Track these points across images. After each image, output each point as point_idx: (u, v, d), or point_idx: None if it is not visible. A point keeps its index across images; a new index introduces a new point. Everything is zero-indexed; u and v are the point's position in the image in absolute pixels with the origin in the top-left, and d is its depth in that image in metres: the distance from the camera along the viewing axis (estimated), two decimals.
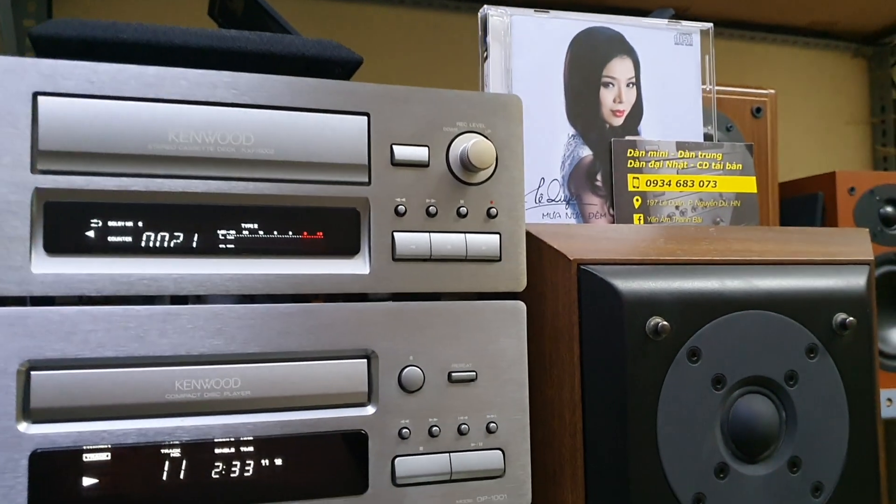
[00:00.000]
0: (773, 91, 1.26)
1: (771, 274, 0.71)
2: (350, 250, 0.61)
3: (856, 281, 0.74)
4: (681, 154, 0.84)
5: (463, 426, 0.62)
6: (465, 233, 0.63)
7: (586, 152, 0.82)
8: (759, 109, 1.29)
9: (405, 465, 0.60)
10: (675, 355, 0.67)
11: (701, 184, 0.84)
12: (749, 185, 0.86)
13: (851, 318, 0.71)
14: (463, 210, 0.63)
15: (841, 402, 0.71)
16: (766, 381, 0.70)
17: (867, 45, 2.00)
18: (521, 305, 0.65)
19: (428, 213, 0.62)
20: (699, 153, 0.84)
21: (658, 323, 0.65)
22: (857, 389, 0.72)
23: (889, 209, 1.63)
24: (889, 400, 1.54)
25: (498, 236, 0.64)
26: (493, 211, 0.64)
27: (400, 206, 0.61)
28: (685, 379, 0.67)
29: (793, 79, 1.91)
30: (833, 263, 0.75)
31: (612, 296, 0.66)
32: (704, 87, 0.87)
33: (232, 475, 0.57)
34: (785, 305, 0.70)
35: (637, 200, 0.82)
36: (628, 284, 0.67)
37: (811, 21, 1.88)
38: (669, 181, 0.83)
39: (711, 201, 0.85)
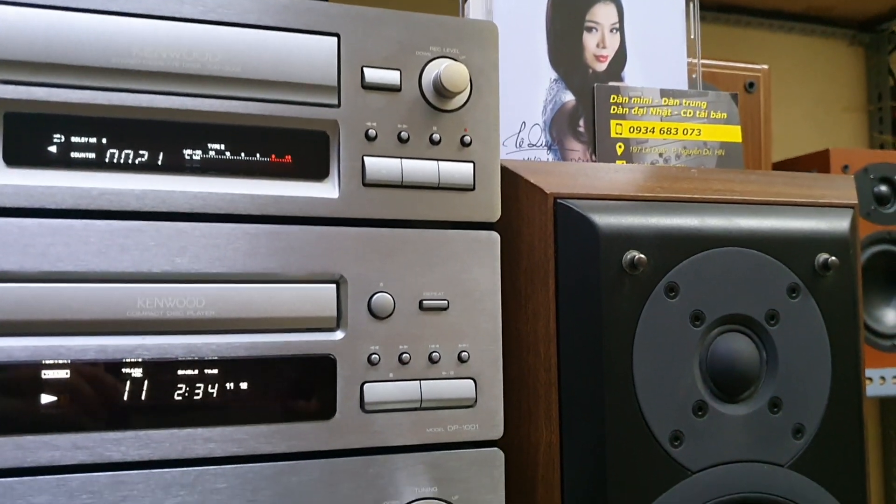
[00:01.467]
0: (766, 66, 1.26)
1: (752, 213, 0.70)
2: (319, 174, 0.59)
3: (839, 223, 0.73)
4: (665, 101, 0.82)
5: (434, 354, 0.61)
6: (437, 160, 0.61)
7: (569, 97, 0.81)
8: (751, 84, 1.28)
9: (374, 392, 0.59)
10: (653, 290, 0.66)
11: (685, 132, 0.83)
12: (734, 133, 0.85)
13: (834, 258, 0.70)
14: (436, 137, 0.62)
15: (823, 344, 0.70)
16: (746, 320, 0.68)
17: (864, 32, 1.99)
18: (494, 236, 0.63)
19: (399, 139, 0.61)
20: (683, 101, 0.83)
21: (635, 256, 0.64)
22: (840, 331, 0.71)
23: (883, 188, 1.62)
24: (882, 378, 1.53)
25: (471, 165, 0.63)
26: (468, 139, 0.63)
27: (370, 131, 0.60)
28: (662, 314, 0.66)
29: (789, 65, 1.89)
30: (816, 206, 0.73)
31: (588, 230, 0.65)
32: (691, 59, 0.86)
33: (195, 398, 0.56)
34: (766, 244, 0.69)
35: (620, 147, 0.81)
36: (605, 219, 0.65)
37: (808, 6, 1.87)
38: (653, 128, 0.82)
39: (695, 149, 0.83)
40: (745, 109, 1.21)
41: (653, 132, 0.82)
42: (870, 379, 1.50)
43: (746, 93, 1.27)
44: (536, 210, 0.67)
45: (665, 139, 0.82)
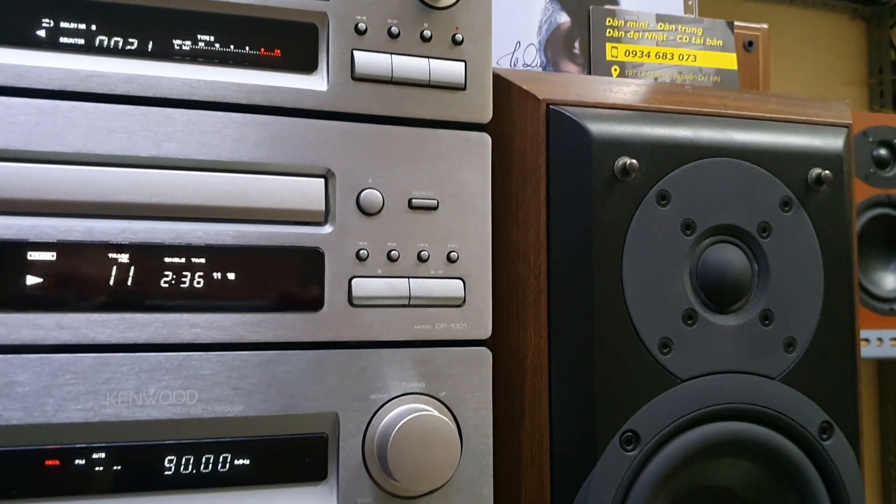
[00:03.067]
0: (765, 25, 1.25)
1: (746, 128, 0.70)
2: (308, 66, 0.59)
3: (833, 141, 0.72)
4: (660, 26, 0.82)
5: (423, 253, 0.60)
6: (428, 58, 0.61)
7: (564, 18, 0.80)
8: (750, 43, 1.27)
9: (362, 286, 0.59)
10: (644, 198, 0.65)
11: (680, 57, 0.83)
12: (729, 61, 0.84)
13: (827, 172, 0.69)
14: (427, 34, 0.61)
15: (815, 259, 0.70)
16: (738, 231, 0.68)
17: (866, 6, 1.98)
18: (485, 137, 0.63)
19: (390, 34, 0.60)
20: (679, 27, 0.83)
21: (627, 162, 0.64)
22: (833, 247, 0.70)
23: (883, 151, 1.61)
24: (879, 339, 1.53)
25: (463, 64, 0.62)
26: (459, 37, 0.62)
27: (360, 24, 0.59)
28: (653, 222, 0.65)
29: (790, 38, 1.88)
30: (811, 123, 0.73)
31: (580, 136, 0.65)
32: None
33: (182, 284, 0.55)
34: (759, 157, 0.69)
35: (615, 70, 0.80)
36: (598, 126, 0.65)
37: None
38: (648, 52, 0.81)
39: (691, 75, 0.83)
40: (743, 68, 1.20)
41: (648, 56, 0.81)
42: (867, 340, 1.50)
43: (745, 51, 1.26)
44: (529, 117, 0.66)
45: (660, 63, 0.82)
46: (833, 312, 0.70)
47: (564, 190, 0.65)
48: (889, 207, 1.59)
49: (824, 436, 0.69)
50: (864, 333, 1.48)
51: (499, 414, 0.65)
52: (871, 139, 1.60)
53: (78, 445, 0.53)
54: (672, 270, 0.66)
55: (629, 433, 0.64)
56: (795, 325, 0.69)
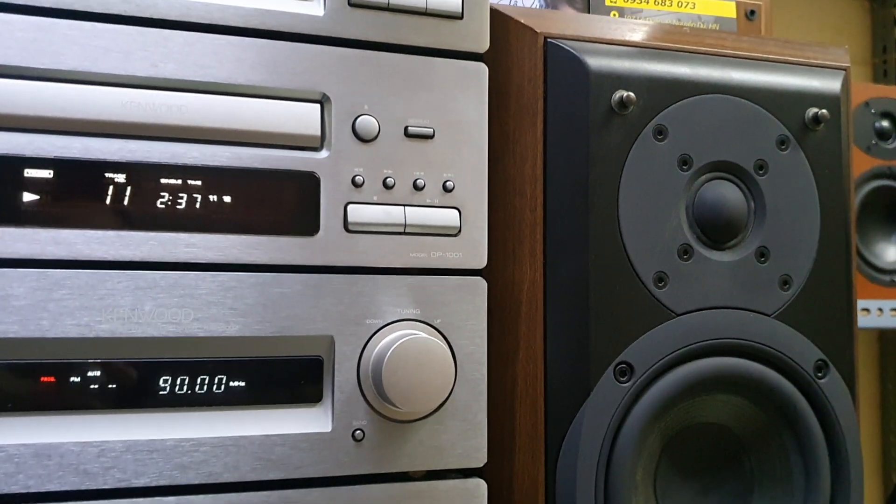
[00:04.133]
0: None
1: (744, 67, 0.70)
2: None
3: (830, 83, 0.72)
4: None
5: (419, 181, 0.61)
6: None
7: None
8: (752, 12, 1.27)
9: (358, 212, 0.59)
10: (641, 132, 0.65)
11: (679, 4, 0.83)
12: (728, 9, 0.84)
13: (824, 112, 0.69)
14: None
15: (812, 198, 0.70)
16: (734, 168, 0.68)
17: None
18: (482, 67, 0.63)
19: None
20: None
21: (624, 95, 0.64)
22: (829, 187, 0.70)
23: (885, 123, 1.60)
24: (880, 309, 1.53)
25: None
26: None
27: None
28: (650, 156, 0.66)
29: (792, 16, 1.88)
30: (809, 65, 0.73)
31: (578, 69, 0.65)
32: None
33: (179, 204, 0.56)
34: (757, 95, 0.69)
35: (614, 15, 0.80)
36: (596, 60, 0.65)
37: None
38: None
39: (690, 23, 0.83)
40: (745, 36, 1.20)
41: (647, 2, 0.81)
42: (867, 310, 1.50)
43: (747, 20, 1.25)
44: (526, 51, 0.66)
45: (660, 10, 0.82)
46: (829, 252, 0.70)
47: (561, 124, 0.65)
48: (890, 179, 1.58)
49: (819, 374, 0.69)
50: (864, 303, 1.48)
51: (494, 347, 0.66)
52: (872, 111, 1.59)
53: (73, 360, 0.53)
54: (668, 205, 0.66)
55: (623, 365, 0.64)
56: (791, 263, 0.69)
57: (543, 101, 0.66)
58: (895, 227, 1.60)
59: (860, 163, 1.55)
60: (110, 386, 0.54)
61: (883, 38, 2.01)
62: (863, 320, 1.53)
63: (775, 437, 0.69)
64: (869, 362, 1.70)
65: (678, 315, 0.65)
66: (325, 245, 0.58)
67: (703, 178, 0.68)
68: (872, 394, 1.67)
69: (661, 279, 0.65)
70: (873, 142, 1.59)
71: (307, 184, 0.58)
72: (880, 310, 1.52)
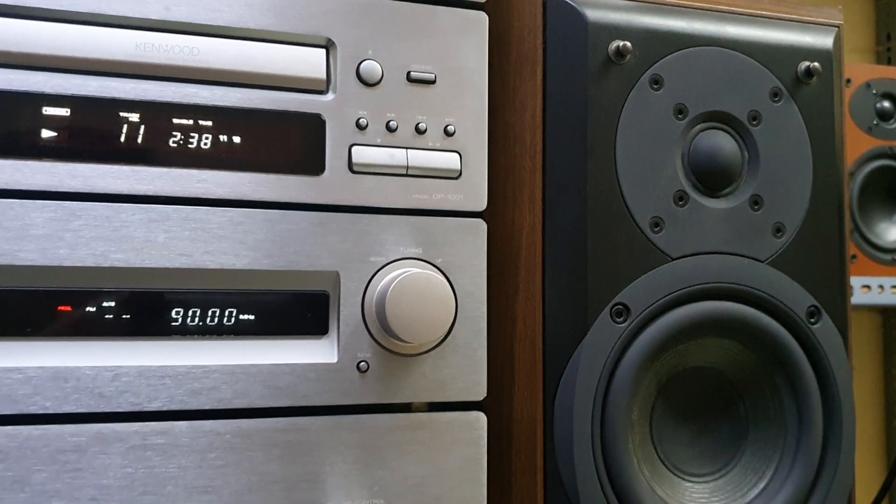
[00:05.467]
0: None
1: (738, 22, 0.72)
2: None
3: (823, 39, 0.74)
4: None
5: (421, 125, 0.63)
6: None
7: None
8: None
9: (362, 154, 0.61)
10: (637, 81, 0.67)
11: None
12: None
13: (816, 65, 0.71)
14: None
15: (804, 148, 0.72)
16: (728, 118, 0.70)
17: None
18: (482, 15, 0.65)
19: None
20: None
21: (620, 44, 0.66)
22: (821, 139, 0.72)
23: (886, 104, 1.62)
24: (881, 286, 1.54)
25: None
26: None
27: None
28: (646, 105, 0.68)
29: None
30: (802, 22, 0.75)
31: (577, 20, 0.67)
32: None
33: (190, 143, 0.58)
34: (751, 48, 0.71)
35: None
36: (594, 12, 0.67)
37: None
38: None
39: None
40: None
41: None
42: (868, 287, 1.51)
43: None
44: (526, 2, 0.68)
45: None
46: (821, 202, 0.72)
47: (560, 73, 0.67)
48: (892, 159, 1.60)
49: (812, 320, 0.70)
50: (866, 280, 1.50)
51: (495, 290, 0.68)
52: (874, 91, 1.61)
53: (89, 289, 0.56)
54: (664, 153, 0.68)
55: (619, 306, 0.66)
56: (784, 211, 0.71)
57: (543, 51, 0.68)
58: None
59: (861, 143, 1.57)
60: (124, 314, 0.56)
61: (887, 25, 2.02)
62: (864, 297, 1.55)
63: (769, 381, 0.71)
64: (873, 343, 1.71)
65: (673, 259, 0.67)
66: (330, 185, 0.61)
67: (698, 127, 0.70)
68: (877, 375, 1.68)
69: (656, 224, 0.67)
70: (874, 122, 1.60)
71: (313, 125, 0.60)
72: (881, 287, 1.54)
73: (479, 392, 0.63)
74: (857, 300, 1.53)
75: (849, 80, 1.60)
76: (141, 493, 0.55)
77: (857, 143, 1.66)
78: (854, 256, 1.55)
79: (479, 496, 0.62)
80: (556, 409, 0.65)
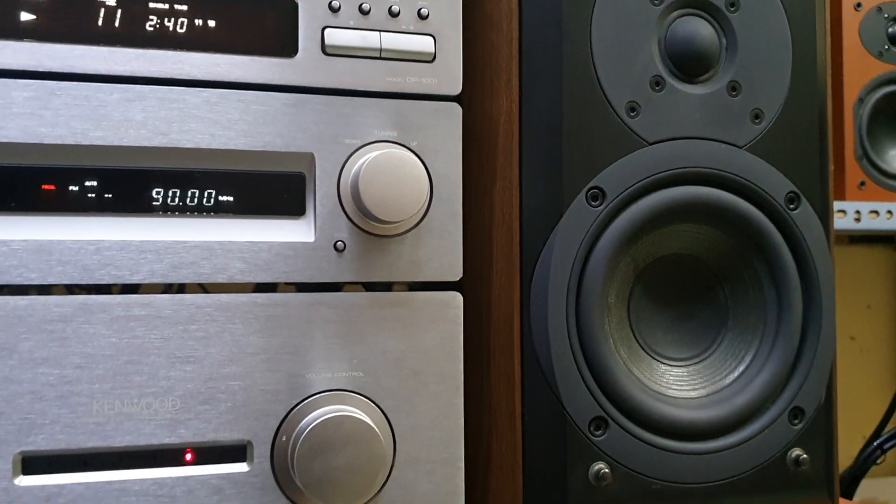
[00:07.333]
0: None
1: None
2: None
3: None
4: None
5: (394, 7, 0.63)
6: None
7: None
8: None
9: (335, 36, 0.62)
10: None
11: None
12: None
13: None
14: None
15: (784, 35, 0.71)
16: (706, 4, 0.70)
17: None
18: None
19: None
20: None
21: None
22: (801, 26, 0.72)
23: None
24: (889, 212, 1.53)
25: None
26: None
27: None
28: None
29: None
30: None
31: None
32: None
33: (166, 28, 0.59)
34: None
35: None
36: None
37: None
38: None
39: None
40: None
41: None
42: (876, 212, 1.50)
43: None
44: None
45: None
46: (801, 89, 0.72)
47: None
48: None
49: (791, 205, 0.71)
50: (875, 206, 1.49)
51: (473, 178, 0.69)
52: (885, 15, 1.58)
53: (70, 166, 0.57)
54: (641, 38, 0.68)
55: (595, 189, 0.66)
56: (763, 97, 0.71)
57: None
58: None
59: (871, 69, 1.55)
60: (105, 191, 0.58)
61: None
62: (873, 223, 1.54)
63: (748, 267, 0.71)
64: (890, 281, 1.70)
65: (650, 144, 0.68)
66: (303, 66, 0.62)
67: (675, 13, 0.70)
68: (889, 313, 1.67)
69: (633, 109, 0.68)
70: (885, 47, 1.58)
71: (286, 7, 0.61)
72: (889, 212, 1.52)
73: (456, 273, 0.65)
74: (866, 226, 1.53)
75: (859, 4, 1.58)
76: (125, 361, 0.57)
77: (866, 69, 1.63)
78: (863, 183, 1.53)
79: (456, 371, 0.64)
80: (532, 290, 0.66)
